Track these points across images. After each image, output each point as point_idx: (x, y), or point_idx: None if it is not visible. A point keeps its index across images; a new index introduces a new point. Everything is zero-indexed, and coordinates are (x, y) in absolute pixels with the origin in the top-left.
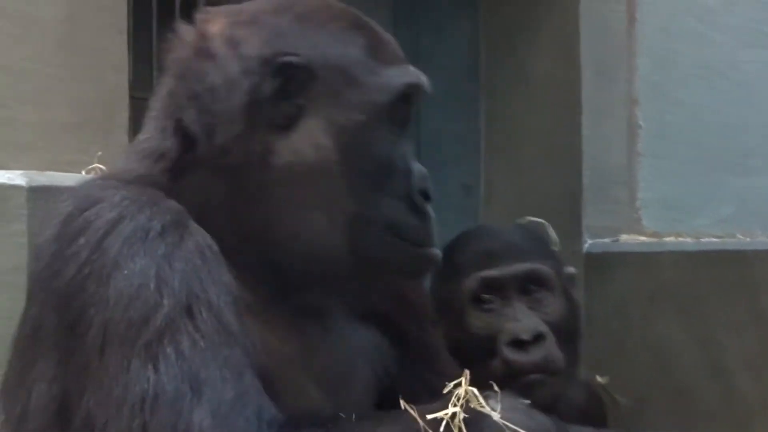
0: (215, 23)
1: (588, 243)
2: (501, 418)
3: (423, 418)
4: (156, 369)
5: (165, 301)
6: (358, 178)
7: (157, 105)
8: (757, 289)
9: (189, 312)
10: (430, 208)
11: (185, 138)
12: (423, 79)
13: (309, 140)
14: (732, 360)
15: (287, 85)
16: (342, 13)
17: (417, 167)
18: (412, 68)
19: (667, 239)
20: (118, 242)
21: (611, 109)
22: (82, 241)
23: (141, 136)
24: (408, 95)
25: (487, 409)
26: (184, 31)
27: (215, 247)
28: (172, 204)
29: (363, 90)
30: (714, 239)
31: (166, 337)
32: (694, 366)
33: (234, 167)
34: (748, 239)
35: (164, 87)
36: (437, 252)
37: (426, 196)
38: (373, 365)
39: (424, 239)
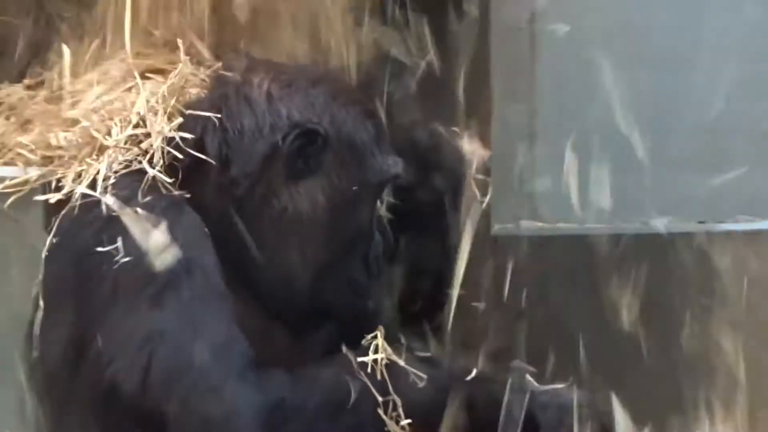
0: (258, 74)
1: (496, 227)
2: (405, 363)
3: (355, 360)
4: (161, 312)
5: (176, 263)
6: (337, 236)
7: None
8: (630, 268)
9: (188, 271)
10: (382, 266)
11: (197, 149)
12: (399, 172)
13: (309, 195)
14: (612, 320)
15: (306, 148)
16: (361, 100)
17: (377, 236)
18: (397, 159)
19: (559, 225)
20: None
21: (515, 115)
22: (96, 212)
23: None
24: (395, 179)
25: (394, 357)
26: (232, 68)
27: (206, 229)
28: (168, 187)
29: (364, 169)
30: (597, 225)
31: (169, 289)
32: (580, 326)
33: (238, 196)
34: (625, 225)
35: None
36: (376, 306)
37: (377, 261)
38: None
39: (370, 295)
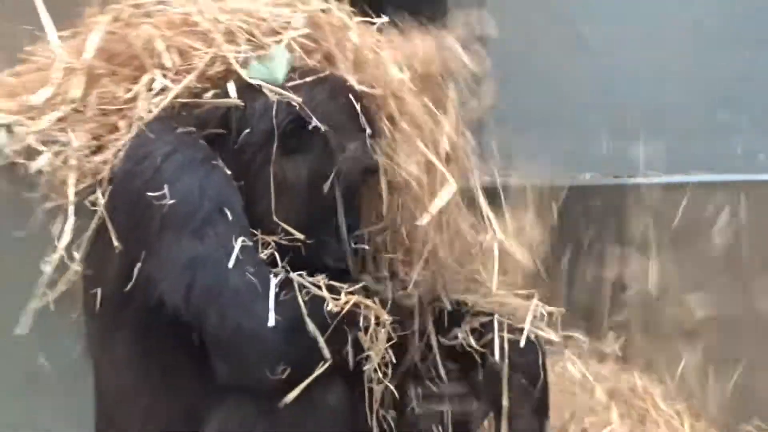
0: None
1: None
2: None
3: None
4: (201, 242)
5: (206, 203)
6: (312, 204)
7: (210, 96)
8: (562, 210)
9: (221, 211)
10: (351, 239)
11: (222, 123)
12: (376, 164)
13: (294, 167)
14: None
15: (298, 131)
16: (352, 100)
17: (357, 209)
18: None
19: (508, 178)
20: (173, 166)
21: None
22: (146, 164)
23: (186, 113)
24: (370, 168)
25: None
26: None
27: (232, 178)
28: (206, 145)
29: (342, 155)
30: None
31: (207, 224)
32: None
33: (244, 160)
34: (559, 178)
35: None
36: (339, 264)
37: (349, 229)
38: None
39: (334, 255)
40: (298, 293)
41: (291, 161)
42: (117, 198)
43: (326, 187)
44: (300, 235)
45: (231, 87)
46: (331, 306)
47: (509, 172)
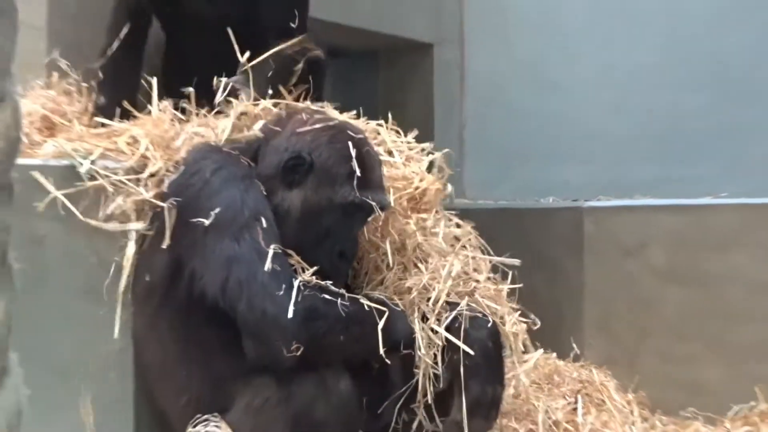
0: (288, 122)
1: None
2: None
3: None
4: (238, 244)
5: (245, 212)
6: (304, 233)
7: (250, 133)
8: (527, 229)
9: (257, 219)
10: (340, 263)
11: (254, 155)
12: (368, 203)
13: (292, 200)
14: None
15: (297, 168)
16: (348, 146)
17: (352, 239)
18: (372, 193)
19: (479, 201)
20: (219, 180)
21: (451, 128)
22: (197, 177)
23: (235, 143)
24: (356, 205)
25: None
26: (276, 115)
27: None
28: (246, 165)
29: (333, 192)
30: (504, 202)
31: (244, 230)
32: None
33: (266, 188)
34: (523, 202)
35: (259, 131)
36: (337, 279)
37: (341, 255)
38: None
39: (331, 274)
40: (316, 292)
41: (290, 193)
42: (172, 204)
43: (324, 218)
44: (293, 253)
45: (257, 126)
46: (365, 302)
47: (484, 196)
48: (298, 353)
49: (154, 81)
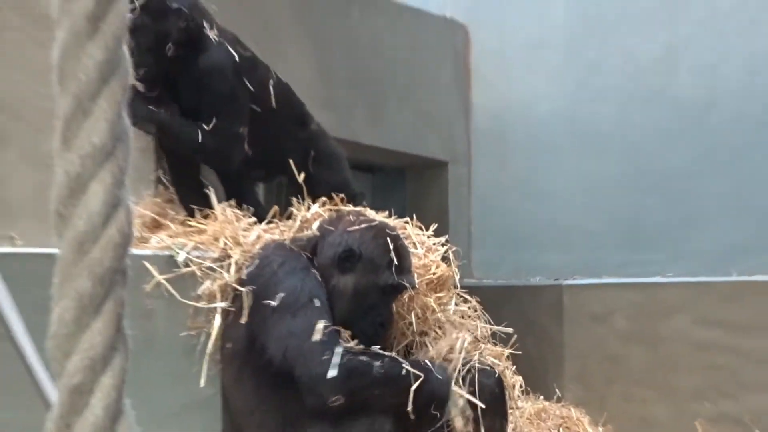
0: (339, 223)
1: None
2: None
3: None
4: (295, 321)
5: (303, 296)
6: (354, 308)
7: (309, 232)
8: (518, 303)
9: (311, 301)
10: (381, 330)
11: (313, 249)
12: (403, 284)
13: (345, 283)
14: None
15: (348, 258)
16: (387, 242)
17: (390, 311)
18: (406, 275)
19: (484, 280)
20: (284, 271)
21: (461, 225)
22: (267, 269)
23: (297, 240)
24: (394, 287)
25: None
26: (329, 217)
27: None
28: (306, 259)
29: (376, 277)
30: (502, 281)
31: (301, 309)
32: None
33: (324, 274)
34: (515, 281)
35: (316, 230)
36: (377, 343)
37: (381, 324)
38: None
39: (370, 339)
40: (358, 356)
41: (343, 278)
42: (249, 289)
43: (369, 296)
44: (341, 328)
45: (315, 225)
46: (408, 367)
47: (487, 276)
48: (339, 404)
49: (212, 192)
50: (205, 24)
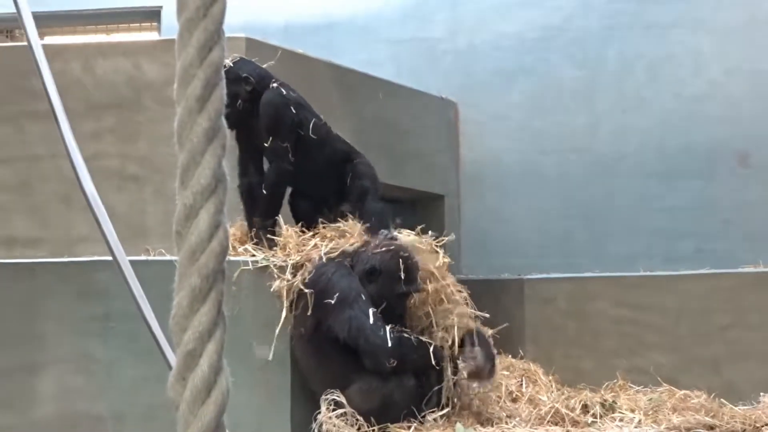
0: (368, 245)
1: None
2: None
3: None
4: (353, 310)
5: (353, 293)
6: (383, 299)
7: (351, 248)
8: (498, 294)
9: (360, 296)
10: (399, 320)
11: (352, 261)
12: (411, 291)
13: (371, 290)
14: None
15: (372, 272)
16: (399, 262)
17: (404, 307)
18: (413, 284)
19: (470, 276)
20: (336, 277)
21: (458, 223)
22: (323, 277)
23: (339, 257)
24: (405, 293)
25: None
26: (362, 240)
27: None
28: (349, 268)
29: (393, 287)
30: (482, 276)
31: (354, 302)
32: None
33: (360, 281)
34: (492, 276)
35: (357, 248)
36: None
37: (400, 317)
38: None
39: (395, 321)
40: (402, 334)
41: (370, 286)
42: (309, 288)
43: (390, 299)
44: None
45: (353, 245)
46: (426, 339)
47: (473, 273)
48: (393, 365)
49: (280, 219)
50: (271, 84)
